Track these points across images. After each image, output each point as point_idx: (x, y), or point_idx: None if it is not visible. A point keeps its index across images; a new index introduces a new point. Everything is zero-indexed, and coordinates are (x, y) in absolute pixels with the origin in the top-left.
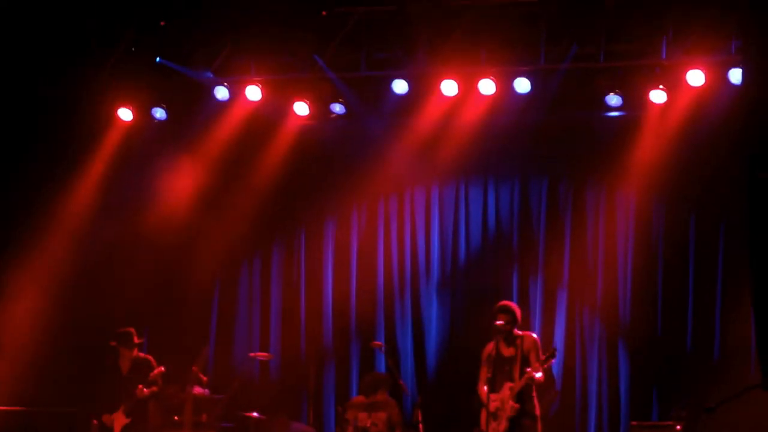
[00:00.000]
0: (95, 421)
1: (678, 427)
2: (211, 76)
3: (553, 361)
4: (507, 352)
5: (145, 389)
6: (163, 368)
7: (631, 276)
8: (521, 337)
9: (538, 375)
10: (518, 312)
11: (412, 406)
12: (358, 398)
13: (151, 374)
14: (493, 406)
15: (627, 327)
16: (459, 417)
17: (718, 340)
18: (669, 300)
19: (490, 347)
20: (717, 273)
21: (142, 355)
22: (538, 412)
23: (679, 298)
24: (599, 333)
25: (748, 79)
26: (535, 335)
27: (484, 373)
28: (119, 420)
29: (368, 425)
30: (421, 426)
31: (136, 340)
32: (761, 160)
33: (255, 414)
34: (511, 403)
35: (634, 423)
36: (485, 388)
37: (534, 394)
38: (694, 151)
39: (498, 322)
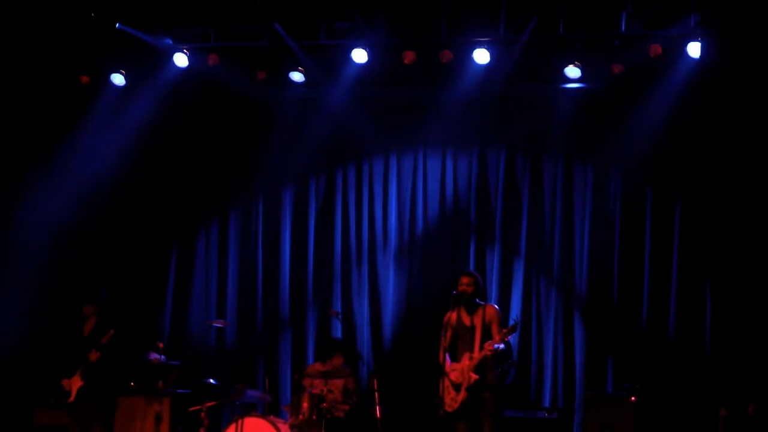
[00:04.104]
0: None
1: (632, 398)
2: (171, 42)
3: (514, 333)
4: (468, 321)
5: (96, 352)
6: (113, 331)
7: (587, 247)
8: (483, 307)
9: (501, 347)
10: (480, 281)
11: (368, 374)
12: (314, 366)
13: (103, 339)
14: (453, 376)
15: (583, 298)
16: (415, 385)
17: (673, 313)
18: (625, 272)
19: (452, 315)
20: (673, 246)
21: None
22: (493, 382)
23: (635, 270)
24: (555, 304)
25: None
26: (496, 307)
27: (444, 341)
28: (76, 383)
29: (324, 392)
30: (377, 394)
31: (99, 301)
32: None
33: (211, 381)
34: (470, 374)
35: (589, 393)
36: (447, 356)
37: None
38: (651, 124)
39: (461, 286)
